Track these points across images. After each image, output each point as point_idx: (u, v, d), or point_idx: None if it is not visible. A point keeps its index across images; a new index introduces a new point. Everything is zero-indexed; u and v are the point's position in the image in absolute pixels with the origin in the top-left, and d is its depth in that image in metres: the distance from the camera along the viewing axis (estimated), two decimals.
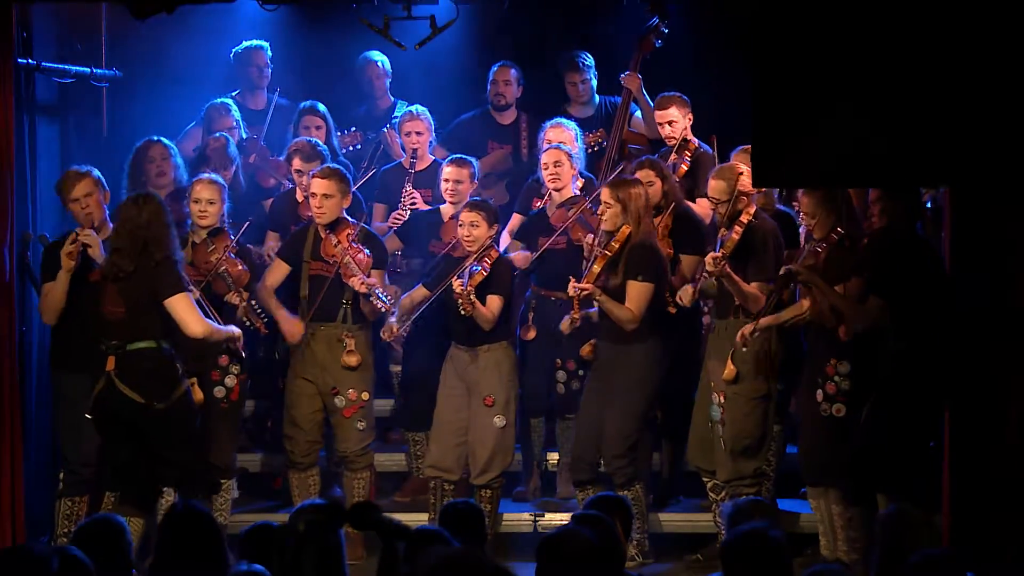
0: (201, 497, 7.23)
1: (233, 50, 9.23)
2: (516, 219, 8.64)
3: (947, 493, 7.16)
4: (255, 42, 9.20)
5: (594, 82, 9.14)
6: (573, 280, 7.66)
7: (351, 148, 9.13)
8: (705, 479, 7.88)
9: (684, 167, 8.37)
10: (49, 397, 7.92)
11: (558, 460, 8.48)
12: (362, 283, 7.80)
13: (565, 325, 7.84)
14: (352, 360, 7.91)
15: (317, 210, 7.89)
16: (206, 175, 7.97)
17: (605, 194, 7.71)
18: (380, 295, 7.80)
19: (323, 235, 7.94)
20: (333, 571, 5.05)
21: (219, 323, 7.43)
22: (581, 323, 7.82)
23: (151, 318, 7.12)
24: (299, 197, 8.41)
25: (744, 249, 7.56)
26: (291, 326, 7.93)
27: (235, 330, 7.49)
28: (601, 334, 7.80)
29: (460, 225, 7.91)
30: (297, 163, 8.36)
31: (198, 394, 7.41)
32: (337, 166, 8.16)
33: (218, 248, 7.79)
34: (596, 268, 7.67)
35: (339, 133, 9.05)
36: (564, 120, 8.65)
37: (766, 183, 7.21)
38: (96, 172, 7.67)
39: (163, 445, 7.16)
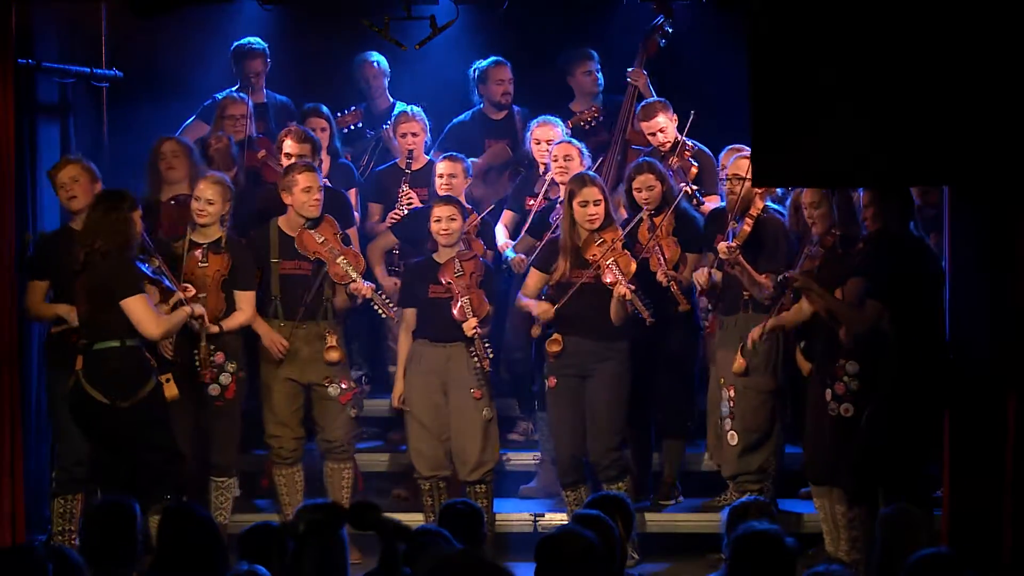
0: (193, 497, 7.23)
1: (233, 45, 9.22)
2: (508, 215, 8.67)
3: (947, 493, 7.16)
4: (254, 43, 9.14)
5: (600, 76, 9.15)
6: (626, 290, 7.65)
7: (351, 127, 9.12)
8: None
9: (694, 170, 8.34)
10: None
11: None
12: (367, 287, 7.82)
13: (535, 331, 7.91)
14: (335, 356, 7.93)
15: (314, 202, 7.90)
16: (214, 174, 7.99)
17: (595, 192, 7.75)
18: (384, 300, 7.83)
19: (295, 230, 7.93)
20: (334, 572, 5.05)
21: (177, 289, 7.42)
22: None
23: (112, 316, 7.12)
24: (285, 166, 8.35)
25: (755, 241, 7.61)
26: (275, 342, 7.92)
27: (192, 308, 7.41)
28: (583, 332, 7.79)
29: (436, 220, 7.92)
30: (289, 146, 8.35)
31: (172, 390, 7.33)
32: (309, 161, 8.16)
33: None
34: (632, 272, 7.71)
35: (338, 114, 9.04)
36: (551, 117, 8.66)
37: (766, 183, 7.21)
38: (89, 163, 7.70)
39: (129, 443, 7.15)
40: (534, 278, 7.97)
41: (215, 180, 7.89)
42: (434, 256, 7.99)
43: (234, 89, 9.08)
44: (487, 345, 7.83)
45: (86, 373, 7.13)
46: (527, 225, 8.50)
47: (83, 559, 5.13)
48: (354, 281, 7.85)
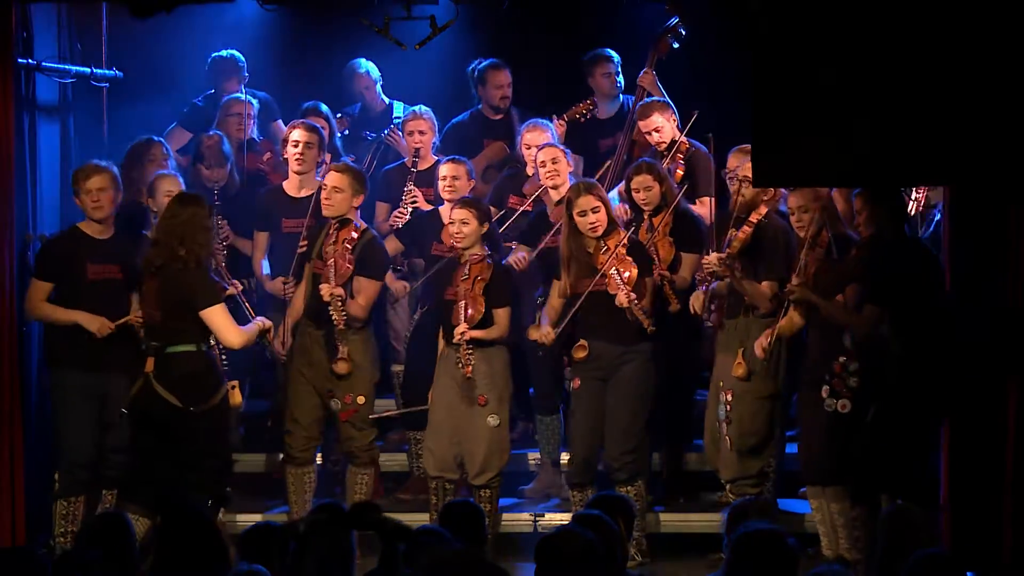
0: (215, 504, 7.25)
1: (211, 56, 9.22)
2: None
3: (947, 493, 7.16)
4: (229, 61, 9.12)
5: (621, 79, 9.14)
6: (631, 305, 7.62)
7: (340, 134, 9.13)
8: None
9: (680, 172, 8.34)
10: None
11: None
12: (329, 291, 7.80)
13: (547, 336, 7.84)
14: (342, 368, 7.90)
15: (326, 202, 7.92)
16: (164, 173, 7.98)
17: (590, 201, 7.71)
18: (339, 308, 7.77)
19: (331, 231, 7.96)
20: (336, 573, 5.06)
21: (251, 317, 7.51)
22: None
23: (189, 323, 7.17)
24: (287, 157, 8.40)
25: (756, 248, 7.59)
26: (277, 349, 7.99)
27: (263, 322, 7.51)
28: (602, 335, 7.78)
29: (450, 223, 7.93)
30: (298, 134, 8.36)
31: (236, 398, 7.41)
32: (355, 165, 8.17)
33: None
34: (633, 280, 7.67)
35: None
36: (540, 121, 8.64)
37: (766, 183, 7.21)
38: (116, 171, 7.71)
39: (195, 450, 7.17)
40: (555, 288, 7.97)
41: (174, 178, 7.91)
42: (459, 257, 8.01)
43: (210, 92, 9.13)
44: (470, 353, 7.80)
45: (158, 376, 7.14)
46: (505, 225, 8.45)
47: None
48: (325, 282, 7.84)
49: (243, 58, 9.18)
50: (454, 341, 7.81)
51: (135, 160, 8.29)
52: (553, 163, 8.25)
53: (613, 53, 9.14)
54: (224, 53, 9.18)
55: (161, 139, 8.44)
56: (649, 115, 8.47)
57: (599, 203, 7.75)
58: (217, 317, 7.18)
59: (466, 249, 7.90)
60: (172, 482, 7.18)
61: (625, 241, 7.76)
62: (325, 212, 7.95)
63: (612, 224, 7.80)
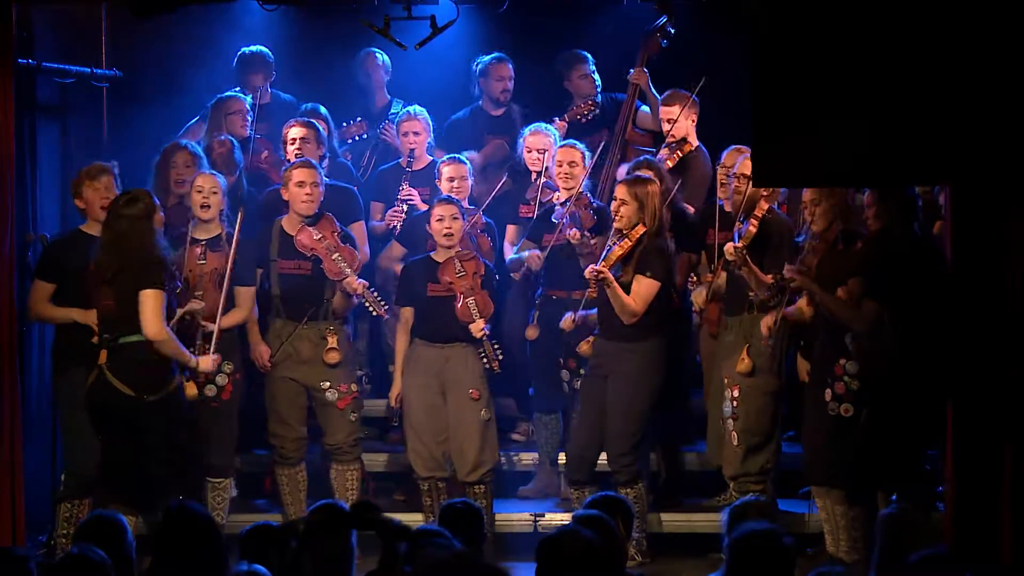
0: (197, 497, 7.23)
1: (239, 51, 9.19)
2: (512, 229, 8.68)
3: (947, 493, 7.16)
4: (258, 55, 9.09)
5: (597, 77, 9.14)
6: (592, 265, 7.63)
7: (356, 138, 9.13)
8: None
9: (670, 163, 8.33)
10: (49, 397, 7.92)
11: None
12: (359, 284, 7.81)
13: (567, 323, 7.88)
14: (334, 357, 7.93)
15: (307, 198, 7.89)
16: (204, 170, 7.97)
17: (621, 191, 7.70)
18: (375, 298, 7.83)
19: (295, 229, 7.93)
20: (336, 573, 5.06)
21: (202, 346, 7.47)
22: (581, 323, 7.86)
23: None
24: (289, 157, 8.38)
25: (760, 241, 7.60)
26: (261, 353, 7.95)
27: (192, 360, 7.34)
28: (603, 332, 7.79)
29: (439, 219, 7.93)
30: (294, 131, 8.38)
31: (191, 390, 7.39)
32: (308, 158, 8.16)
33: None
34: (613, 257, 7.64)
35: (344, 124, 9.05)
36: (543, 125, 8.64)
37: (766, 183, 7.21)
38: (116, 172, 7.70)
39: (153, 440, 7.16)
40: None
41: (209, 173, 7.90)
42: (432, 255, 7.99)
43: (236, 89, 9.10)
44: (496, 346, 7.84)
45: (111, 366, 7.13)
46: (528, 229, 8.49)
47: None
48: (347, 277, 7.85)
49: (271, 55, 9.16)
50: (476, 337, 7.82)
51: (162, 164, 8.24)
52: (570, 166, 8.22)
53: (586, 53, 9.15)
54: (253, 48, 9.14)
55: (187, 143, 8.39)
56: (672, 104, 8.49)
57: (626, 196, 7.68)
58: (150, 302, 7.08)
59: (450, 247, 7.93)
60: (138, 477, 7.18)
61: (634, 237, 7.71)
62: (306, 211, 7.89)
63: (637, 221, 7.70)
